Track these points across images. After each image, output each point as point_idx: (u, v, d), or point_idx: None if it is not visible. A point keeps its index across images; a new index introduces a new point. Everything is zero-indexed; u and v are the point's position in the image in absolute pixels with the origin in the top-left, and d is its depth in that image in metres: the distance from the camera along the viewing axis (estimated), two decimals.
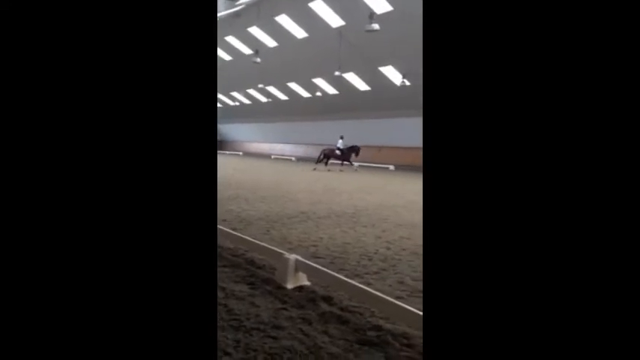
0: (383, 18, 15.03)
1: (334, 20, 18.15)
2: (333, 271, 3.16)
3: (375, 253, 4.19)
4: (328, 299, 2.84)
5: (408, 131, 20.36)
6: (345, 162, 17.29)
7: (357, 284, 2.75)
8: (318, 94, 23.04)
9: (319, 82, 22.63)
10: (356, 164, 17.93)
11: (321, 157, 17.47)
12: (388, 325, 2.44)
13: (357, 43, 17.71)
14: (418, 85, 18.01)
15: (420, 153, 19.10)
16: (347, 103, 22.77)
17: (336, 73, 18.77)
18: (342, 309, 2.69)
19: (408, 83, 18.02)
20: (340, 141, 17.62)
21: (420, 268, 3.72)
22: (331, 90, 22.86)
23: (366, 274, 3.52)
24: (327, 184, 10.77)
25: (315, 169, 16.92)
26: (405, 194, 9.18)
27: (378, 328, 2.42)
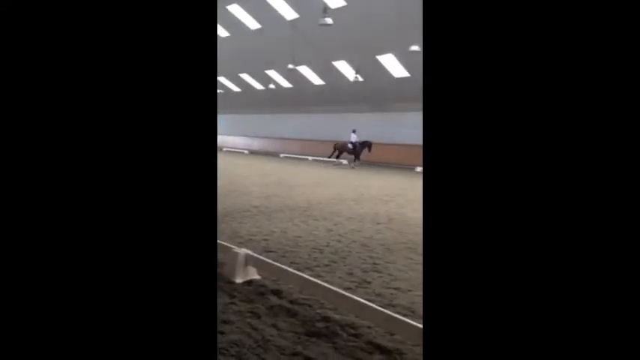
0: (337, 13, 15.09)
1: (288, 12, 17.99)
2: (284, 264, 3.16)
3: (327, 246, 4.23)
4: (278, 292, 2.84)
5: (361, 127, 20.68)
6: (357, 158, 15.99)
7: (306, 277, 2.77)
8: (272, 86, 22.80)
9: (272, 74, 22.38)
10: (344, 161, 16.59)
11: (334, 152, 16.28)
12: (337, 316, 2.48)
13: (311, 37, 17.69)
14: (370, 81, 18.31)
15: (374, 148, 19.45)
16: (301, 97, 22.71)
17: (290, 66, 18.63)
18: (291, 302, 2.70)
19: (361, 79, 18.25)
20: (353, 135, 16.21)
21: (369, 260, 3.81)
22: (285, 83, 22.69)
23: (317, 266, 3.56)
24: (281, 178, 10.72)
25: (334, 164, 16.08)
26: (358, 188, 9.34)
27: (327, 319, 2.46)
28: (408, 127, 17.01)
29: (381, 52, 16.70)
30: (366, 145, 15.85)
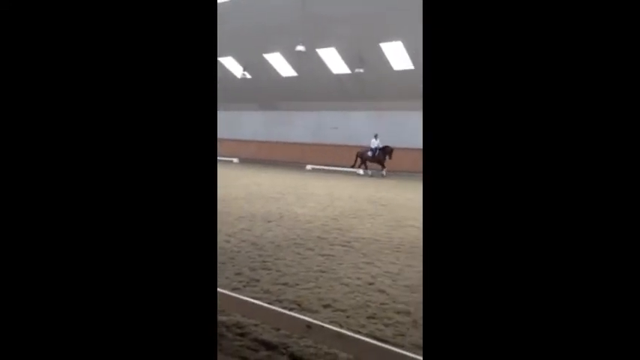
0: (221, 7, 14.70)
1: None
2: None
3: None
4: None
5: (250, 125, 20.48)
6: (382, 166, 13.94)
7: None
8: None
9: None
10: (360, 171, 14.39)
11: (357, 160, 14.33)
12: (223, 318, 2.43)
13: None
14: (258, 80, 18.24)
15: (261, 146, 19.46)
16: None
17: None
18: None
19: (249, 76, 18.06)
20: (374, 140, 14.10)
21: (258, 258, 3.80)
22: None
23: None
24: None
25: (361, 174, 14.02)
26: (248, 186, 9.25)
27: None
28: (296, 127, 17.31)
29: (268, 51, 16.75)
30: (386, 151, 13.82)
